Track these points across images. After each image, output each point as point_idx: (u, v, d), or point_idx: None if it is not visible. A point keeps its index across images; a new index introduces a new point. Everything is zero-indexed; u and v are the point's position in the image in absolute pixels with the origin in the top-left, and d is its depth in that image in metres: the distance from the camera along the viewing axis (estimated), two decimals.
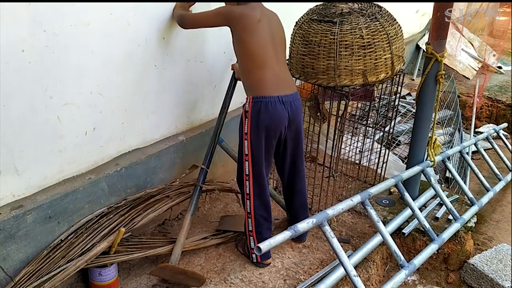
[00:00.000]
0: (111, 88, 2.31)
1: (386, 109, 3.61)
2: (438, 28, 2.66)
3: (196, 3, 2.55)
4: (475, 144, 3.67)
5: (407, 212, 2.87)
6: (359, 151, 3.49)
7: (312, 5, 2.91)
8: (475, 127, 4.93)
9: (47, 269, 2.09)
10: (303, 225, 2.01)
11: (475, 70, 6.15)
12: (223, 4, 2.43)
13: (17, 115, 1.94)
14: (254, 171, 2.39)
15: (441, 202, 2.94)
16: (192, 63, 2.73)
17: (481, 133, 4.21)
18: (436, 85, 2.77)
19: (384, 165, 3.36)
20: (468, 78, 5.88)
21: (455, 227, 2.77)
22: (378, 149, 3.36)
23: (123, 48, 2.30)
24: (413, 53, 6.12)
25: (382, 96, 3.49)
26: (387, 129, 3.44)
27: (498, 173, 3.62)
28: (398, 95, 3.16)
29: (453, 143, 4.26)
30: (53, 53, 1.98)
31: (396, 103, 3.23)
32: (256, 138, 2.33)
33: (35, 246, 2.12)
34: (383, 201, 3.10)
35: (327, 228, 2.10)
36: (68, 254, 2.16)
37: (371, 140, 3.46)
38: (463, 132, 4.66)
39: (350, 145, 3.36)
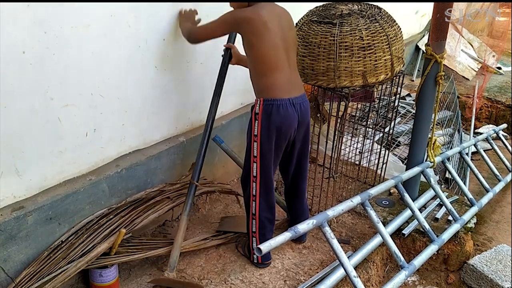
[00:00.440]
0: (111, 89, 2.31)
1: (386, 110, 3.62)
2: (438, 29, 2.66)
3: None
4: (475, 145, 3.68)
5: (407, 213, 2.88)
6: (359, 152, 3.50)
7: (311, 6, 2.91)
8: (475, 128, 4.94)
9: (48, 270, 2.09)
10: (303, 226, 2.01)
11: (475, 71, 6.15)
12: (222, 4, 2.42)
13: (17, 116, 1.94)
14: (262, 173, 2.37)
15: (441, 203, 2.94)
16: (192, 64, 2.73)
17: (481, 134, 4.23)
18: (436, 86, 2.77)
19: (384, 166, 3.36)
20: (468, 79, 5.89)
21: (455, 228, 2.78)
22: (378, 150, 3.36)
23: (124, 50, 2.30)
24: (412, 54, 6.13)
25: (382, 97, 3.49)
26: (387, 130, 3.45)
27: (498, 173, 3.63)
28: (398, 96, 3.17)
29: (452, 144, 4.26)
30: (53, 55, 1.99)
31: (396, 104, 3.24)
32: (266, 140, 2.31)
33: (36, 247, 2.13)
34: (383, 202, 3.10)
35: (327, 229, 2.11)
36: (69, 255, 2.16)
37: (371, 141, 3.46)
38: (463, 133, 4.66)
39: (350, 146, 3.37)
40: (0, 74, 1.82)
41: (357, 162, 3.52)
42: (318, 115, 3.01)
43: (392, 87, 3.11)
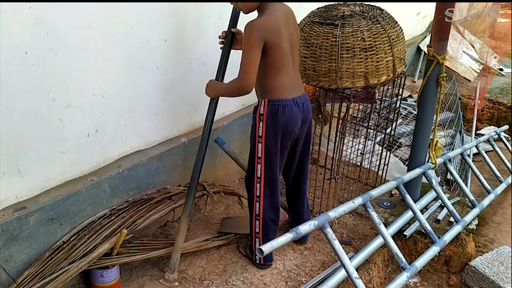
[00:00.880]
0: (113, 90, 2.32)
1: (387, 111, 3.62)
2: (440, 30, 2.66)
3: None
4: (476, 146, 3.67)
5: (408, 214, 2.88)
6: (361, 153, 3.50)
7: (313, 7, 2.92)
8: (476, 129, 4.93)
9: (50, 270, 2.09)
10: (305, 227, 2.01)
11: (476, 72, 6.15)
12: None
13: (20, 117, 1.95)
14: (267, 174, 2.37)
15: (443, 204, 2.94)
16: (194, 65, 2.74)
17: (482, 135, 4.22)
18: (438, 87, 2.77)
19: (385, 167, 3.36)
20: (469, 80, 5.89)
21: (456, 229, 2.78)
22: (380, 151, 3.36)
23: (126, 50, 2.31)
24: (414, 55, 6.12)
25: (384, 98, 3.49)
26: (388, 131, 3.45)
27: (499, 175, 3.62)
28: (399, 97, 3.17)
29: (454, 145, 4.26)
30: (56, 55, 1.99)
31: (397, 105, 3.24)
32: (272, 141, 2.30)
33: (37, 247, 2.13)
34: (384, 203, 3.10)
35: (328, 230, 2.10)
36: (70, 256, 2.16)
37: (373, 142, 3.46)
38: (464, 134, 4.66)
39: (351, 147, 3.37)
40: (2, 75, 1.83)
41: (358, 163, 3.52)
42: (320, 116, 3.01)
43: (394, 88, 3.11)
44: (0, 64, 1.80)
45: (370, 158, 3.44)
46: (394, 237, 2.65)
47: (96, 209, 2.36)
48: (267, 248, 1.86)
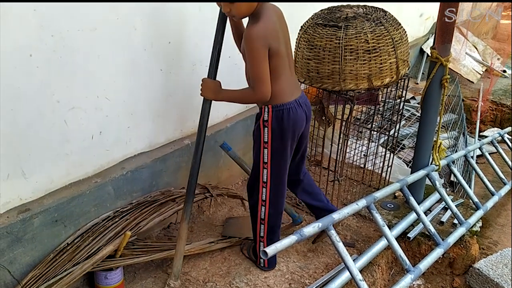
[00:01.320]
0: (117, 92, 2.32)
1: (391, 113, 3.62)
2: (444, 32, 2.66)
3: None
4: (480, 148, 3.66)
5: (412, 216, 2.87)
6: (364, 155, 3.49)
7: (317, 9, 2.92)
8: (480, 131, 4.92)
9: (54, 272, 2.10)
10: (309, 229, 2.01)
11: (479, 74, 6.14)
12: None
13: (24, 119, 1.95)
14: (273, 179, 2.35)
15: (446, 206, 2.93)
16: (198, 67, 2.74)
17: (486, 137, 4.21)
18: (441, 89, 2.77)
19: (389, 169, 3.35)
20: (472, 82, 5.88)
21: (460, 231, 2.77)
22: (383, 153, 3.36)
23: (129, 52, 2.31)
24: (417, 57, 6.12)
25: (387, 100, 3.49)
26: (391, 133, 3.45)
27: (503, 177, 3.62)
28: (402, 99, 3.17)
29: (457, 147, 4.25)
30: (60, 58, 1.99)
31: (401, 107, 3.23)
32: (280, 145, 2.28)
33: (41, 249, 2.13)
34: (388, 205, 3.10)
35: (332, 232, 2.10)
36: (74, 258, 2.17)
37: (376, 144, 3.46)
38: (468, 136, 4.65)
39: (355, 149, 3.36)
40: (7, 77, 1.83)
41: (362, 165, 3.52)
42: (323, 118, 3.01)
43: (397, 90, 3.11)
44: (5, 66, 1.81)
45: (373, 160, 3.43)
46: (398, 239, 2.64)
47: (100, 211, 2.36)
48: (271, 250, 1.86)
